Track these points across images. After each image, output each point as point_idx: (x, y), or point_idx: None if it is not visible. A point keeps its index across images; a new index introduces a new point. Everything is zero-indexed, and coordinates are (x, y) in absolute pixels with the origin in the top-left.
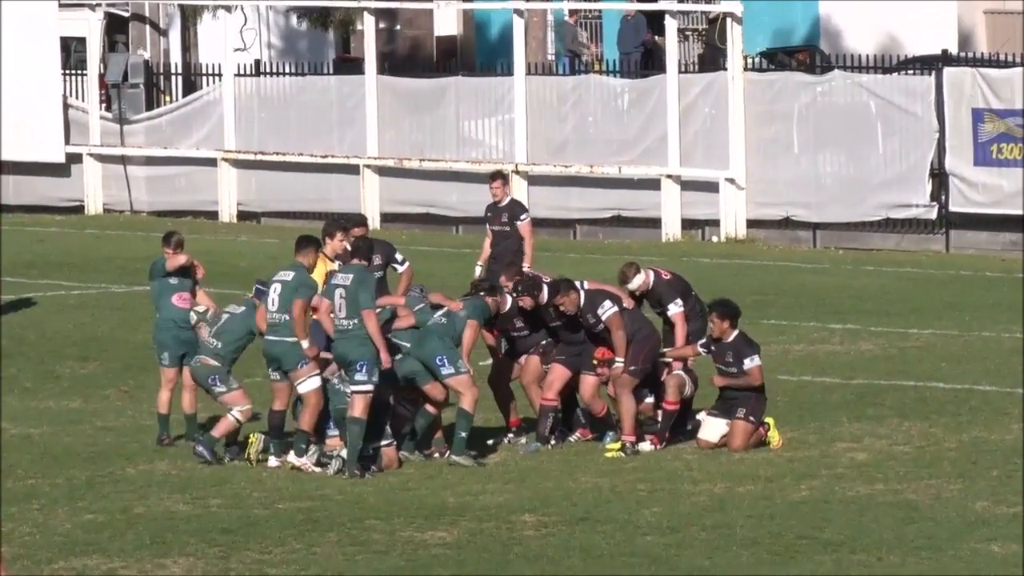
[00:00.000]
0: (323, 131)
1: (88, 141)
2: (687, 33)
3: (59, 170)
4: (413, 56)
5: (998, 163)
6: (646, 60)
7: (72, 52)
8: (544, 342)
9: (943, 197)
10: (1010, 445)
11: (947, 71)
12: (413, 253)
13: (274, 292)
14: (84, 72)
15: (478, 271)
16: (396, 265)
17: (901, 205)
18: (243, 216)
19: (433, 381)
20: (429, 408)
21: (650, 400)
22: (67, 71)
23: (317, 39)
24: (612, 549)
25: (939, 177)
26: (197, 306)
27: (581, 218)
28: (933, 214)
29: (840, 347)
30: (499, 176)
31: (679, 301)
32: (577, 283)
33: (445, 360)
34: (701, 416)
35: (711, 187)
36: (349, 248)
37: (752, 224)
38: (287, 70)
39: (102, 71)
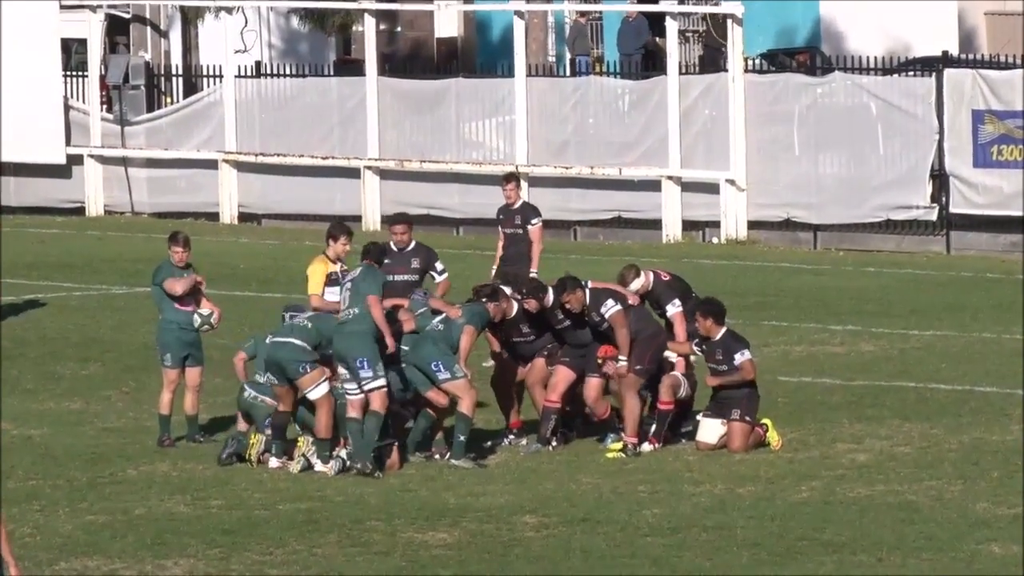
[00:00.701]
0: (324, 133)
1: (89, 143)
2: (688, 35)
3: (60, 171)
4: (414, 57)
5: (998, 164)
6: (647, 62)
7: (73, 53)
8: (550, 345)
9: (944, 198)
10: (1010, 446)
11: (947, 72)
12: None
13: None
14: (85, 73)
15: (493, 272)
16: (435, 274)
17: (902, 206)
18: (244, 218)
19: (435, 389)
20: (430, 410)
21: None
22: (68, 72)
23: (318, 41)
24: (613, 550)
25: (940, 178)
26: (201, 309)
27: (582, 219)
28: (934, 215)
29: (841, 348)
30: (513, 178)
31: (677, 301)
32: (582, 282)
33: (441, 365)
34: (698, 418)
35: (712, 188)
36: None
37: (753, 225)
38: (288, 72)
39: (103, 72)
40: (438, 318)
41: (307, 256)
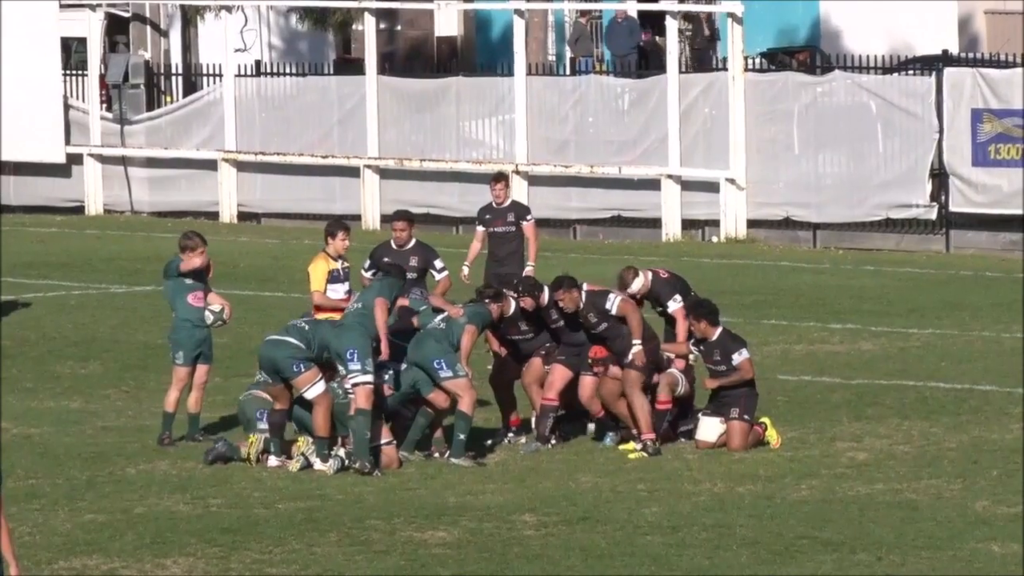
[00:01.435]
0: (324, 132)
1: (89, 142)
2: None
3: (60, 170)
4: (414, 56)
5: (996, 163)
6: (641, 61)
7: (73, 52)
8: (548, 344)
9: (943, 197)
10: (1010, 445)
11: (947, 71)
12: None
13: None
14: (85, 72)
15: (465, 270)
16: (435, 272)
17: (901, 205)
18: (244, 217)
19: (436, 389)
20: (429, 409)
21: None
22: (68, 71)
23: (318, 40)
24: (612, 549)
25: (939, 177)
26: (211, 305)
27: (581, 218)
28: (933, 214)
29: (840, 347)
30: (502, 178)
31: (678, 297)
32: (578, 283)
33: (443, 364)
34: (698, 416)
35: (711, 187)
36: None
37: (752, 224)
38: (288, 70)
39: (103, 71)
40: (439, 316)
41: (307, 255)
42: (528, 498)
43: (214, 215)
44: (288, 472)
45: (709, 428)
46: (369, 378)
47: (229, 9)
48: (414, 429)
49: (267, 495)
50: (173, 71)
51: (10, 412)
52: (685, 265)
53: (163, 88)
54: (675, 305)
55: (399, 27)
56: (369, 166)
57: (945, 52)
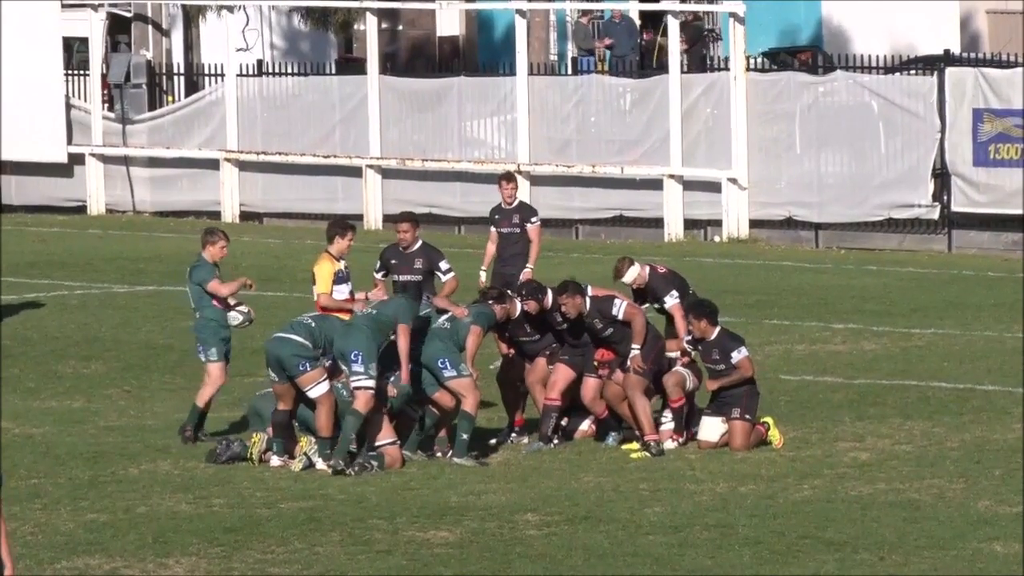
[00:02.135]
0: (325, 131)
1: (91, 141)
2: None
3: (62, 170)
4: (415, 56)
5: (996, 163)
6: (642, 60)
7: (74, 52)
8: (554, 344)
9: (945, 197)
10: (1012, 444)
11: (949, 71)
12: None
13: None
14: (86, 72)
15: (483, 276)
16: (440, 273)
17: (903, 205)
18: (246, 216)
19: (441, 390)
20: (435, 408)
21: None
22: (69, 71)
23: (319, 39)
24: (614, 548)
25: (941, 177)
26: (239, 306)
27: (583, 218)
28: (935, 214)
29: (842, 347)
30: (512, 178)
31: (675, 293)
32: (583, 288)
33: (447, 363)
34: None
35: (713, 187)
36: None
37: (754, 224)
38: (289, 70)
39: (104, 71)
40: (444, 317)
41: (309, 255)
42: (531, 498)
43: (216, 215)
44: (290, 472)
45: (711, 428)
46: (371, 383)
47: (231, 9)
48: (414, 434)
49: (269, 495)
50: (175, 71)
51: (12, 412)
52: (687, 265)
53: (165, 88)
54: (671, 301)
55: (401, 27)
56: (371, 166)
57: (947, 52)
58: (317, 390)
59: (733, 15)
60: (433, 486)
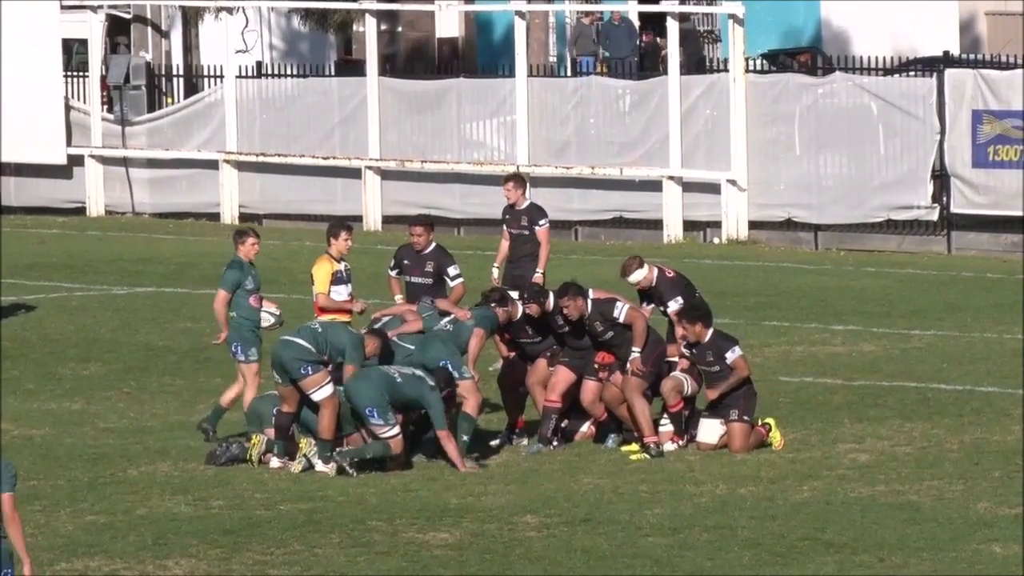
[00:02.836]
0: (325, 133)
1: (90, 143)
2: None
3: (61, 172)
4: (415, 58)
5: (995, 165)
6: (642, 62)
7: (74, 54)
8: (555, 346)
9: (945, 199)
10: (1012, 446)
11: (948, 72)
12: None
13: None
14: (86, 74)
15: (495, 272)
16: (448, 279)
17: (903, 207)
18: (245, 218)
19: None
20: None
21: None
22: (69, 73)
23: (319, 41)
24: (614, 550)
25: (941, 179)
26: (270, 307)
27: (582, 219)
28: (935, 215)
29: (842, 348)
30: (514, 178)
31: (680, 299)
32: (585, 290)
33: (449, 365)
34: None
35: (713, 188)
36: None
37: (754, 225)
38: (289, 72)
39: (104, 73)
40: (446, 319)
41: (308, 256)
42: (530, 499)
43: (215, 216)
44: (290, 474)
45: (709, 430)
46: (396, 431)
47: (230, 10)
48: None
49: (269, 496)
50: (174, 72)
51: (12, 413)
52: (686, 266)
53: (164, 89)
54: (675, 307)
55: (400, 28)
56: (370, 167)
57: (946, 53)
58: (320, 393)
59: (732, 16)
60: (432, 488)
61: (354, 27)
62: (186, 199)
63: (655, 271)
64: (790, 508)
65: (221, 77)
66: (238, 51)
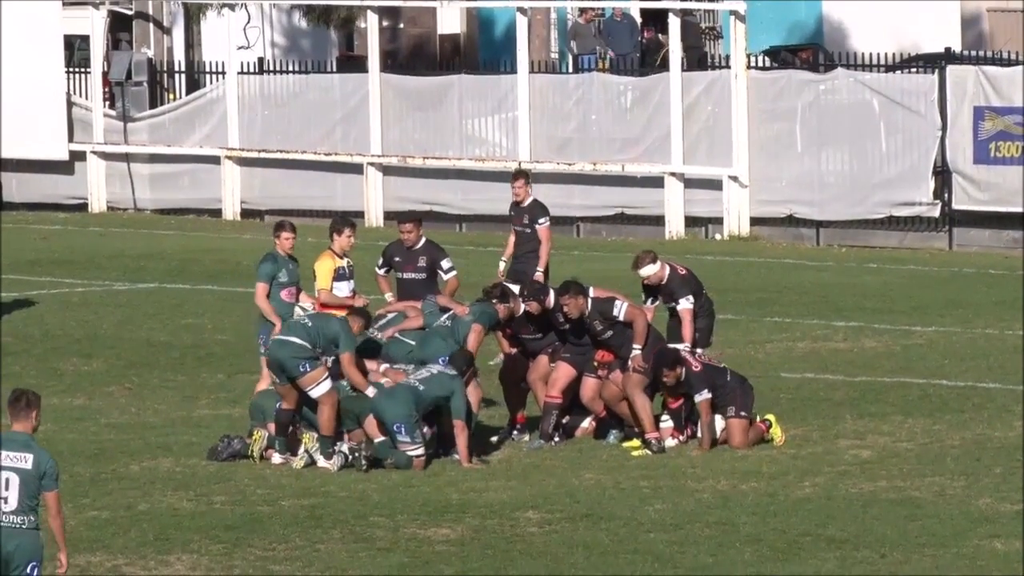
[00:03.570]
0: (326, 129)
1: (92, 139)
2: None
3: (63, 168)
4: (416, 54)
5: (996, 161)
6: (644, 59)
7: (76, 50)
8: (556, 343)
9: (946, 195)
10: (1013, 442)
11: (950, 69)
12: None
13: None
14: (88, 70)
15: (502, 266)
16: (441, 272)
17: (904, 203)
18: (246, 214)
19: None
20: None
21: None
22: (71, 69)
23: (320, 37)
24: (615, 546)
25: (942, 175)
26: (303, 303)
27: (584, 216)
28: (936, 212)
29: (843, 344)
30: (521, 176)
31: (690, 297)
32: (585, 289)
33: (449, 360)
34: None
35: (714, 185)
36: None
37: (755, 222)
38: (290, 68)
39: (106, 69)
40: (445, 315)
41: (310, 253)
42: (531, 495)
43: (217, 212)
44: (291, 469)
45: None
46: (422, 450)
47: (232, 6)
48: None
49: (270, 492)
50: (176, 68)
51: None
52: (688, 263)
53: (166, 85)
54: (685, 305)
55: (402, 25)
56: (372, 164)
57: (948, 50)
58: (319, 390)
59: (734, 13)
60: (434, 484)
61: (356, 23)
62: (188, 195)
63: (667, 268)
64: (791, 504)
65: (223, 73)
66: (240, 47)
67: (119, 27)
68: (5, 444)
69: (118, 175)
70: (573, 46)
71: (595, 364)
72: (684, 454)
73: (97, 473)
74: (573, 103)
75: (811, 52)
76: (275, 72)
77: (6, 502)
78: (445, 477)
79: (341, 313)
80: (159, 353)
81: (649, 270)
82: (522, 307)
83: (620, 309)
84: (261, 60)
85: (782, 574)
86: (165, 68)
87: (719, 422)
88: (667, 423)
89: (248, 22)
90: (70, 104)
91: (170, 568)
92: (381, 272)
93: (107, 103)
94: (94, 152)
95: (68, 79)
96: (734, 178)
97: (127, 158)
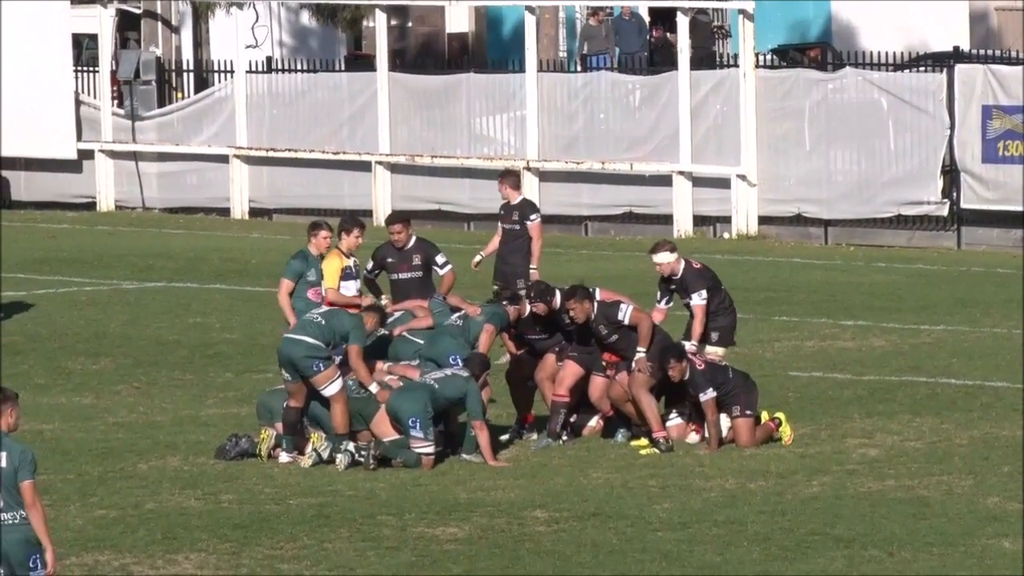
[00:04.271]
0: (335, 128)
1: (100, 138)
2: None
3: (71, 167)
4: (425, 53)
5: (1004, 160)
6: (652, 57)
7: (84, 49)
8: (563, 342)
9: (955, 194)
10: (1021, 441)
11: (958, 68)
12: None
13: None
14: (96, 69)
15: (477, 257)
16: (436, 267)
17: (912, 202)
18: (255, 213)
19: None
20: None
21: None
22: (79, 68)
23: (329, 36)
24: (623, 545)
25: (950, 174)
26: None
27: (592, 214)
28: (944, 211)
29: (851, 343)
30: (507, 175)
31: (703, 293)
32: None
33: (458, 359)
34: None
35: (723, 183)
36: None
37: (764, 220)
38: (299, 67)
39: (114, 68)
40: (456, 315)
41: None
42: (539, 494)
43: (225, 211)
44: (299, 468)
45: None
46: (432, 448)
47: (240, 5)
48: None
49: (278, 491)
50: (184, 67)
51: (21, 408)
52: None
53: (174, 84)
54: (698, 300)
55: (410, 24)
56: (380, 162)
57: (956, 48)
58: (331, 388)
59: (742, 12)
60: (442, 482)
61: (364, 22)
62: (196, 194)
63: (682, 262)
64: (799, 503)
65: (231, 72)
66: (248, 46)
67: (127, 26)
68: None
69: (126, 174)
70: (585, 48)
71: (604, 363)
72: (692, 453)
73: (105, 472)
74: (581, 102)
75: (819, 51)
76: (283, 71)
77: None
78: (453, 476)
79: (352, 312)
80: (167, 352)
81: (664, 257)
82: (528, 307)
83: (625, 313)
84: (269, 59)
85: (790, 573)
86: (173, 67)
87: (725, 421)
88: (674, 421)
89: (256, 21)
90: (78, 103)
91: (178, 567)
92: (371, 276)
93: (115, 102)
94: (102, 151)
95: (76, 78)
96: (742, 177)
97: (135, 157)
